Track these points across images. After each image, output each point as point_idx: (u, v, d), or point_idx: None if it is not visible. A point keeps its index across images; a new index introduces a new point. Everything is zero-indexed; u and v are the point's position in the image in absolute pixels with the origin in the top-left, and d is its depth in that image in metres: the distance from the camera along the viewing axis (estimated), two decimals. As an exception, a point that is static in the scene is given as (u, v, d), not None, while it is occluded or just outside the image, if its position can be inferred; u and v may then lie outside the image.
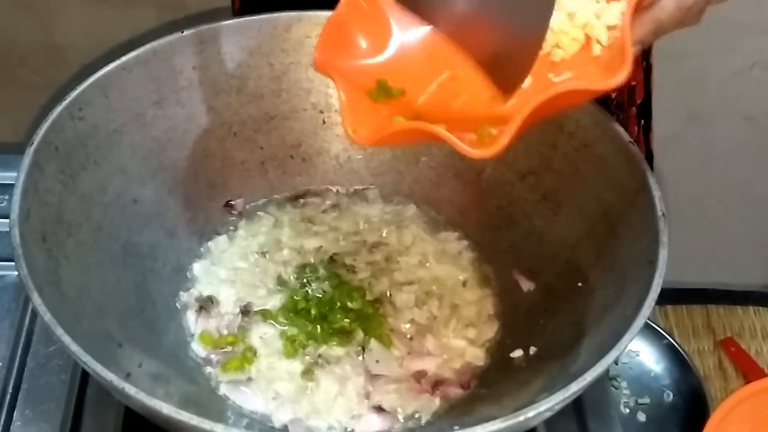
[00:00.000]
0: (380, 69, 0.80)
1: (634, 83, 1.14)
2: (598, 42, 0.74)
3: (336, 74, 0.79)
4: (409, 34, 0.81)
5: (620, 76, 0.68)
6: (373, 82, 0.79)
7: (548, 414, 0.70)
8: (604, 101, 0.90)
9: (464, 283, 0.96)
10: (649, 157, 1.22)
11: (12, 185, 0.80)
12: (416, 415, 0.85)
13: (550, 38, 0.75)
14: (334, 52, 0.80)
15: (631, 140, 0.88)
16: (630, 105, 1.15)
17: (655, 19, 0.72)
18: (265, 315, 0.91)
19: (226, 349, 0.89)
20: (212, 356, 0.89)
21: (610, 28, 0.74)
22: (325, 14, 0.95)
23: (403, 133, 0.75)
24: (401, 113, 0.77)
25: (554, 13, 0.74)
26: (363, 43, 0.81)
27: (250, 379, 0.87)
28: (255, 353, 0.89)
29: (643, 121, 1.18)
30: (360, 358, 0.89)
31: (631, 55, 0.68)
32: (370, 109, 0.77)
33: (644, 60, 1.15)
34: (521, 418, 0.68)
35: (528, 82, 0.75)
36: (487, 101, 0.77)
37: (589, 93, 0.72)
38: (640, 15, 0.72)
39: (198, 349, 0.90)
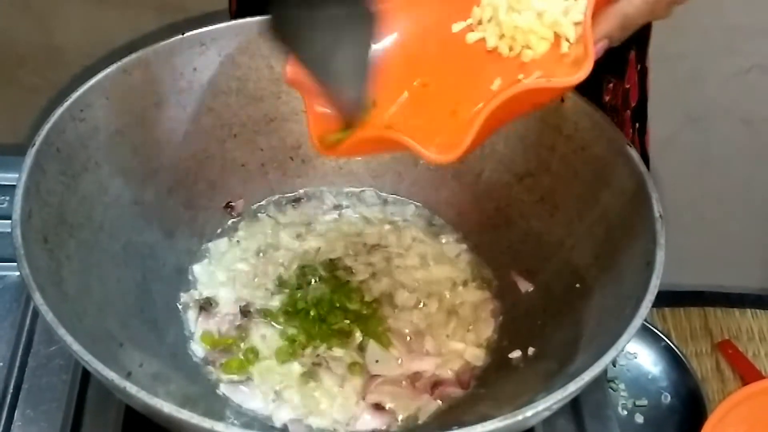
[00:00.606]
0: None
1: (628, 86, 1.14)
2: (566, 39, 0.73)
3: (304, 88, 0.79)
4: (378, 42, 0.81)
5: (582, 72, 0.68)
6: None
7: (546, 413, 0.70)
8: (598, 105, 0.91)
9: (463, 284, 0.97)
10: (645, 160, 1.22)
11: (11, 186, 0.81)
12: (415, 415, 0.86)
13: (519, 38, 0.75)
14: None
15: (629, 142, 0.88)
16: (624, 108, 1.16)
17: (620, 14, 0.72)
18: (265, 315, 0.92)
19: (226, 349, 0.90)
20: (212, 356, 0.89)
21: (576, 24, 0.73)
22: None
23: (367, 142, 0.76)
24: (371, 124, 0.76)
25: (524, 13, 0.74)
26: None
27: (250, 379, 0.87)
28: (257, 355, 0.89)
29: (638, 124, 1.19)
30: (359, 358, 0.89)
31: (593, 50, 0.68)
32: (336, 120, 0.78)
33: (639, 63, 1.15)
34: (519, 418, 0.68)
35: (497, 83, 0.75)
36: (454, 106, 0.76)
37: (551, 90, 0.72)
38: (606, 10, 0.72)
39: (198, 348, 0.90)
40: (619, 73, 1.13)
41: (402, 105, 0.78)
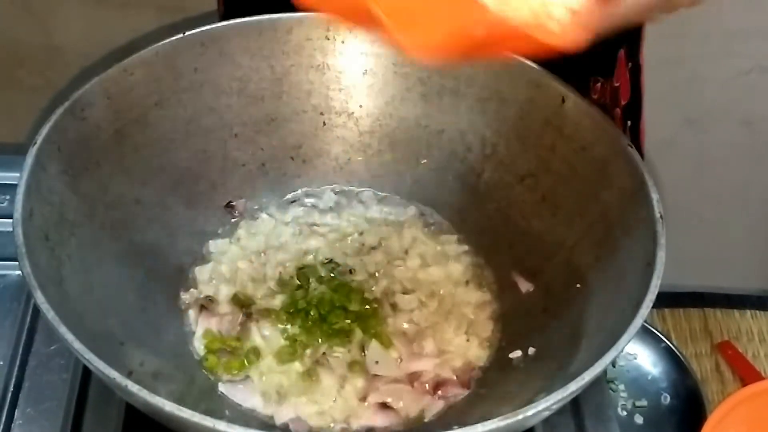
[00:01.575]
0: None
1: (617, 84, 1.14)
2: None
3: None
4: None
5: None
6: None
7: (546, 413, 0.71)
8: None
9: (463, 285, 0.97)
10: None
11: (12, 186, 0.81)
12: (415, 415, 0.86)
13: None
14: None
15: (630, 143, 0.88)
16: (614, 106, 1.15)
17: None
18: (266, 315, 0.92)
19: (227, 349, 0.90)
20: (213, 355, 0.89)
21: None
22: (327, 17, 0.96)
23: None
24: None
25: None
26: None
27: (251, 379, 0.87)
28: (258, 355, 0.89)
29: (630, 123, 1.19)
30: (360, 357, 0.89)
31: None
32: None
33: (629, 61, 1.15)
34: (519, 417, 0.68)
35: None
36: None
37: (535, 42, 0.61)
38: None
39: (199, 348, 0.90)
40: (606, 73, 1.13)
41: None
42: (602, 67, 1.12)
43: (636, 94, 1.17)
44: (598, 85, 1.13)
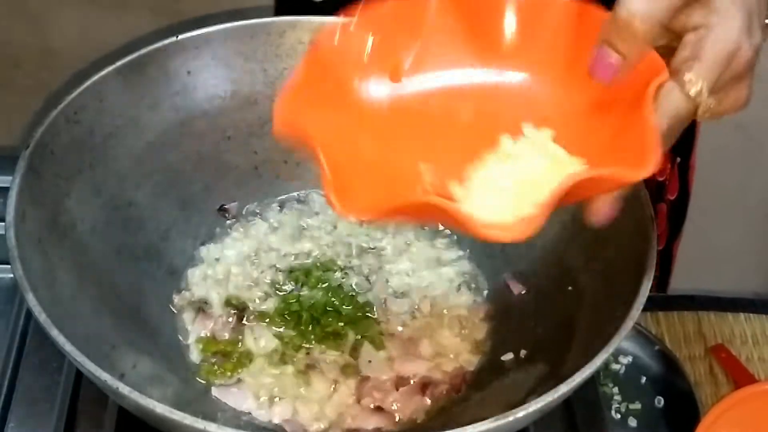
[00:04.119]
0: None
1: (662, 179, 1.10)
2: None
3: (309, 139, 0.70)
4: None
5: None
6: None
7: (537, 414, 0.71)
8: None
9: (456, 288, 0.97)
10: (685, 196, 1.18)
11: (5, 188, 0.81)
12: (407, 417, 0.86)
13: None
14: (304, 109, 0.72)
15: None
16: (655, 201, 1.10)
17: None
18: (259, 317, 0.92)
19: (220, 351, 0.90)
20: (206, 358, 0.89)
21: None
22: (319, 20, 0.97)
23: (407, 209, 0.67)
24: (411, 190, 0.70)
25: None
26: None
27: (243, 381, 0.88)
28: (251, 358, 0.89)
29: (679, 159, 1.14)
30: (353, 360, 0.89)
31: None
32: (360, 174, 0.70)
33: (678, 156, 1.10)
34: (510, 419, 0.68)
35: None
36: None
37: (613, 181, 0.66)
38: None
39: (192, 351, 0.90)
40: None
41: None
42: None
43: (683, 194, 1.13)
44: None
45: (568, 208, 0.91)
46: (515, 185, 0.69)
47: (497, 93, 0.76)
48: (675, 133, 0.65)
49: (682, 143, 1.11)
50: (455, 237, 1.01)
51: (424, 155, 0.73)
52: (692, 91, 0.62)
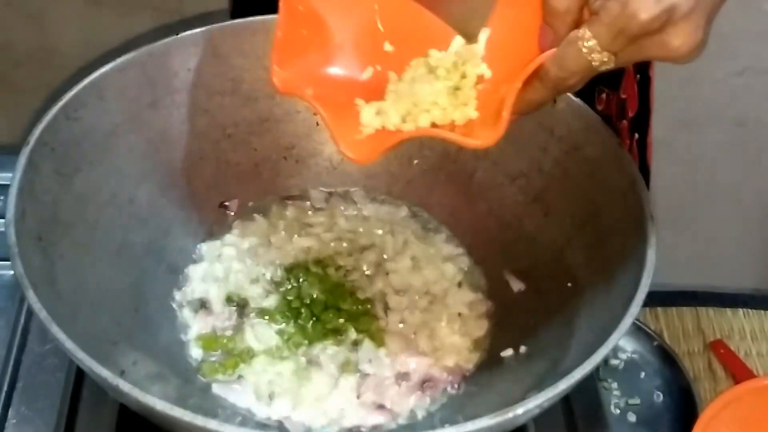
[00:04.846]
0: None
1: (624, 96, 1.13)
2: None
3: (305, 92, 0.77)
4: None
5: (488, 139, 0.71)
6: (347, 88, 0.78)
7: (537, 411, 0.71)
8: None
9: (456, 285, 0.97)
10: (645, 172, 1.22)
11: (5, 186, 0.81)
12: (407, 413, 0.86)
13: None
14: (294, 68, 0.78)
15: (620, 142, 0.89)
16: (620, 118, 1.15)
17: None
18: (260, 314, 0.92)
19: (220, 348, 0.90)
20: (207, 355, 0.90)
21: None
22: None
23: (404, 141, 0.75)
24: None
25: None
26: (322, 50, 0.80)
27: (244, 378, 0.88)
28: (252, 356, 0.89)
29: (637, 135, 1.18)
30: (353, 356, 0.90)
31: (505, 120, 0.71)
32: (356, 120, 0.77)
33: (638, 73, 1.14)
34: (510, 415, 0.68)
35: None
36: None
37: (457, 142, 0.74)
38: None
39: (192, 348, 0.90)
40: (612, 84, 1.13)
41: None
42: (609, 78, 1.12)
43: (644, 107, 1.17)
44: (603, 96, 1.12)
45: (571, 203, 0.91)
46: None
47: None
48: (573, 80, 0.70)
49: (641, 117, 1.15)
50: (454, 234, 1.01)
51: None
52: (585, 46, 0.68)
